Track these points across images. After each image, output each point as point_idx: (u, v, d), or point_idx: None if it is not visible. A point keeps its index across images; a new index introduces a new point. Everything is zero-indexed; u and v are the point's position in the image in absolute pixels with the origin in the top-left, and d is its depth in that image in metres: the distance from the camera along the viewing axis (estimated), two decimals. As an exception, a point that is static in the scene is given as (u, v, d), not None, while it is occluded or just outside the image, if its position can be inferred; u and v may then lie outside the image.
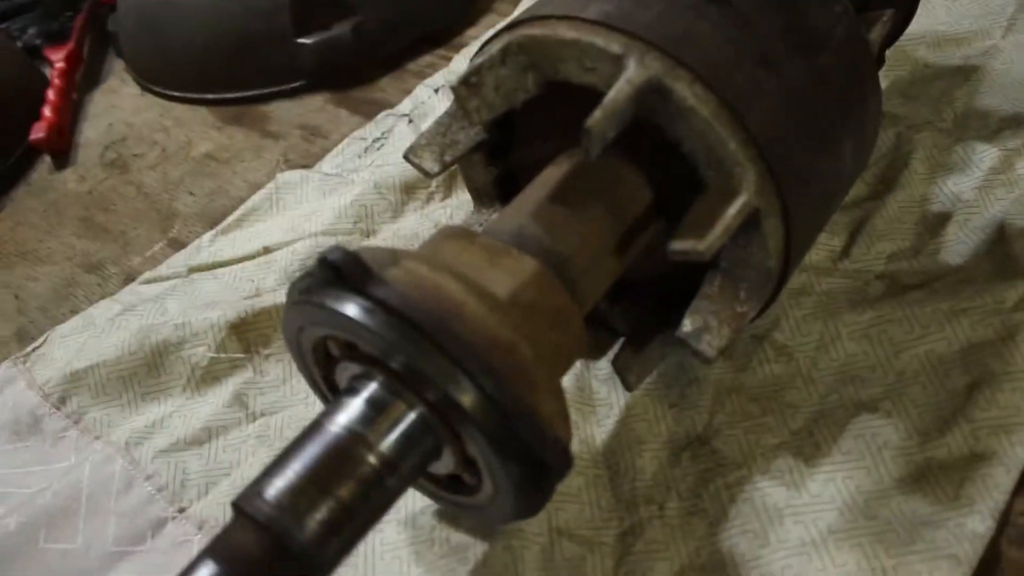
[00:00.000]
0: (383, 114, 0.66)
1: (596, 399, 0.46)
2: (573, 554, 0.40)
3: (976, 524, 0.38)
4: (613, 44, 0.37)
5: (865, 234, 0.51)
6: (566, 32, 0.38)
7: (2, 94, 0.72)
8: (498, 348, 0.32)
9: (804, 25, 0.40)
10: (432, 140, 0.44)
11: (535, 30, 0.39)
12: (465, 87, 0.40)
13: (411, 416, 0.34)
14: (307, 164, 0.64)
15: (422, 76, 0.70)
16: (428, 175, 0.43)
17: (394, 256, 0.35)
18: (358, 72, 0.71)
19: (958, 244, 0.49)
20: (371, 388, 0.34)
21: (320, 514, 0.32)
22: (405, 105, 0.67)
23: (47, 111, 0.72)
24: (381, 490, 0.34)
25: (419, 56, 0.73)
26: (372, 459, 0.33)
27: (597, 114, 0.35)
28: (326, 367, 0.38)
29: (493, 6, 0.77)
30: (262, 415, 0.49)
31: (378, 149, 0.63)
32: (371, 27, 0.70)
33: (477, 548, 0.41)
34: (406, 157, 0.44)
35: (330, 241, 0.57)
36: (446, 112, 0.44)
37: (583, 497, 0.42)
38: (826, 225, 0.45)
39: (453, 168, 0.48)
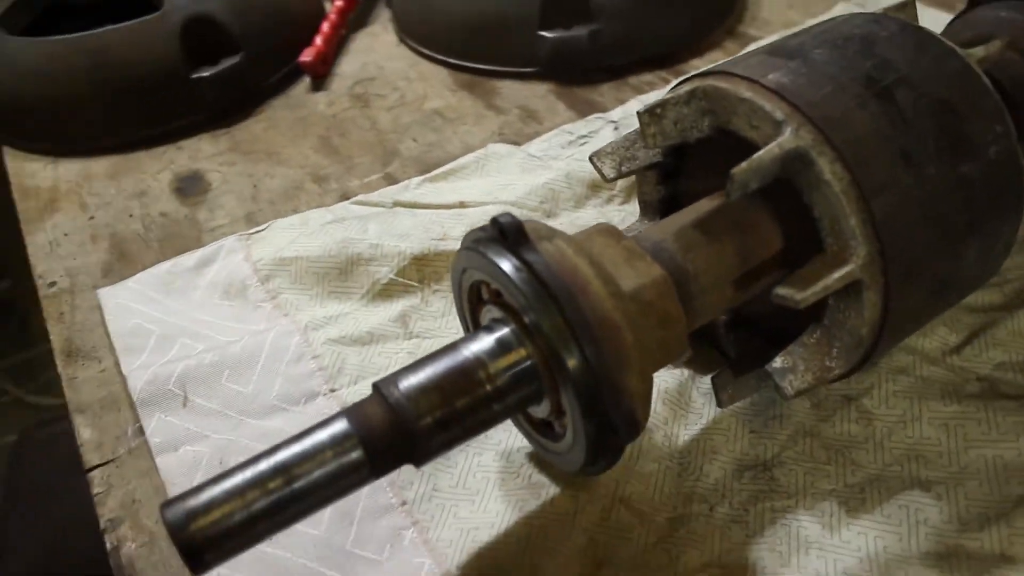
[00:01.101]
0: (594, 116, 0.77)
1: (691, 407, 0.55)
2: (625, 520, 0.49)
3: (981, 611, 0.44)
4: (777, 111, 0.45)
5: (983, 338, 0.56)
6: (744, 91, 0.47)
7: (287, 18, 0.89)
8: (606, 326, 0.42)
9: (958, 134, 0.46)
10: (616, 151, 0.54)
11: (721, 83, 0.48)
12: (649, 115, 0.49)
13: (526, 363, 0.44)
14: (517, 141, 0.76)
15: (639, 91, 0.80)
16: (605, 179, 0.53)
17: (551, 233, 0.45)
18: (585, 73, 0.82)
19: (1069, 372, 0.54)
20: (503, 331, 0.45)
21: (436, 412, 0.43)
22: (616, 112, 0.77)
23: (318, 40, 0.88)
24: (487, 410, 0.44)
25: (642, 72, 0.83)
26: (487, 385, 0.44)
27: (744, 165, 0.44)
28: (475, 306, 0.49)
29: (721, 43, 0.85)
30: (416, 336, 0.61)
31: (580, 145, 0.74)
32: (606, 36, 0.81)
33: (551, 490, 0.51)
34: (591, 159, 0.54)
35: (517, 211, 0.68)
36: (635, 130, 0.54)
37: (651, 480, 0.51)
38: (932, 318, 0.51)
39: (632, 179, 0.58)
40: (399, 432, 0.42)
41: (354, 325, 0.61)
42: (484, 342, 0.45)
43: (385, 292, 0.63)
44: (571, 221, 0.67)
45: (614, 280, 0.44)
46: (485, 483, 0.52)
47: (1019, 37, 0.57)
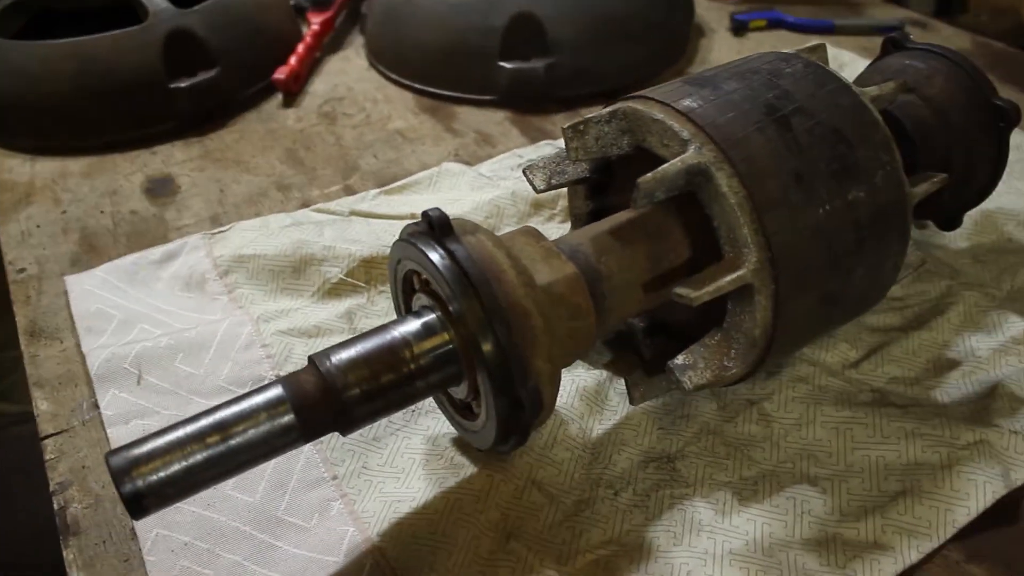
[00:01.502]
0: (544, 142, 0.83)
1: (607, 404, 0.60)
2: (536, 500, 0.54)
3: (849, 591, 0.49)
4: (684, 131, 0.51)
5: (880, 355, 0.62)
6: (657, 113, 0.53)
7: (267, 37, 0.95)
8: (517, 311, 0.47)
9: (848, 160, 0.52)
10: (547, 165, 0.60)
11: (639, 105, 0.54)
12: (572, 130, 0.55)
13: (448, 346, 0.50)
14: (470, 162, 0.82)
15: (590, 121, 0.86)
16: (536, 190, 0.59)
17: (475, 228, 0.51)
18: (540, 103, 0.89)
19: (953, 388, 0.59)
20: (430, 317, 0.50)
21: (363, 384, 0.48)
22: (548, 151, 0.83)
23: (293, 60, 0.94)
24: (410, 386, 0.50)
25: (593, 104, 0.89)
26: (411, 363, 0.49)
27: (649, 176, 0.50)
28: (408, 295, 0.55)
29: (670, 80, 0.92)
30: (360, 331, 0.66)
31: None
32: (561, 69, 0.87)
33: (470, 470, 0.56)
34: (524, 172, 0.60)
35: (462, 225, 0.73)
36: (561, 149, 0.60)
37: (562, 466, 0.56)
38: (824, 329, 0.57)
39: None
40: (329, 400, 0.48)
41: (303, 319, 0.66)
42: (411, 325, 0.50)
43: (334, 291, 0.68)
44: (514, 235, 0.73)
45: (528, 273, 0.50)
46: (411, 463, 0.57)
47: (918, 82, 0.64)
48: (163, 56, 0.86)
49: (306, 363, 0.49)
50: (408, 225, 0.52)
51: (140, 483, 0.44)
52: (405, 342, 0.49)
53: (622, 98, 0.57)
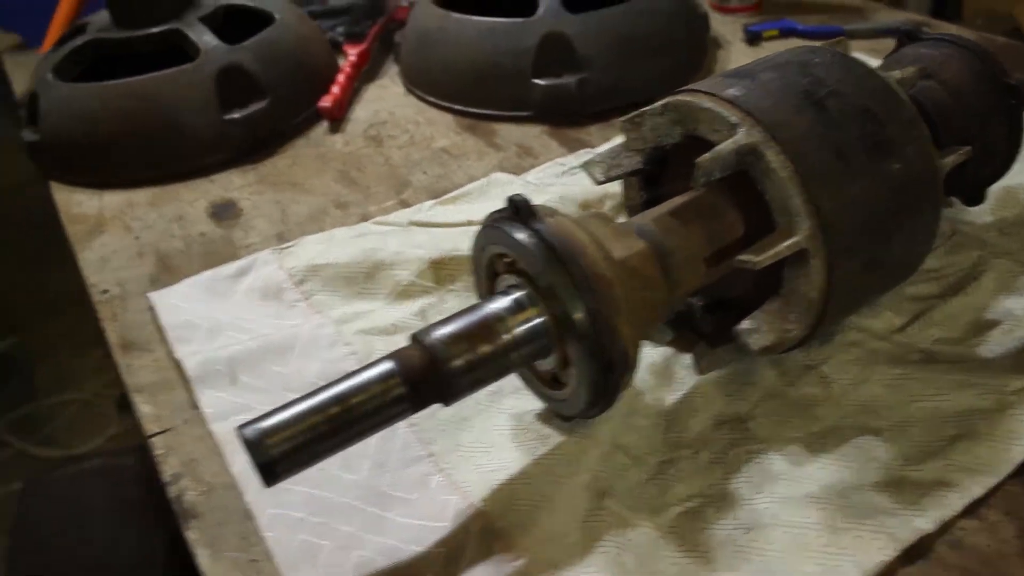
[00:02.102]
0: (584, 151, 0.90)
1: (675, 377, 0.66)
2: (623, 462, 0.59)
3: (921, 523, 0.54)
4: (732, 116, 0.57)
5: (923, 320, 0.67)
6: (706, 102, 0.59)
7: (310, 69, 1.02)
8: (602, 282, 0.53)
9: (880, 136, 0.59)
10: (604, 159, 0.66)
11: (688, 97, 0.61)
12: (629, 123, 0.62)
13: (538, 320, 0.55)
14: (516, 173, 0.88)
15: (623, 130, 0.93)
16: (596, 182, 0.65)
17: (554, 212, 0.57)
18: (574, 116, 0.95)
19: (995, 345, 0.65)
20: (518, 294, 0.56)
21: (463, 356, 0.53)
22: (603, 148, 0.89)
23: (336, 88, 1.01)
24: (505, 358, 0.55)
25: (624, 115, 0.95)
26: (506, 336, 0.55)
27: (706, 156, 0.56)
28: (491, 280, 0.60)
29: (696, 90, 0.99)
30: (434, 326, 0.72)
31: (572, 174, 0.86)
32: (593, 84, 0.94)
33: (557, 438, 0.61)
34: (583, 166, 0.66)
35: (516, 228, 0.79)
36: (619, 143, 0.66)
37: (642, 432, 0.61)
38: (870, 294, 0.63)
39: (619, 202, 0.70)
40: (434, 371, 0.53)
41: (380, 319, 0.72)
42: (502, 302, 0.56)
43: (406, 292, 0.74)
44: (566, 234, 0.79)
45: (606, 248, 0.55)
46: (500, 438, 0.62)
47: (934, 68, 0.70)
48: (216, 90, 0.92)
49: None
50: (491, 213, 0.58)
51: (274, 451, 0.49)
52: (499, 317, 0.55)
53: (672, 93, 0.63)
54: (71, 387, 1.84)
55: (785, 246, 0.55)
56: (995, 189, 0.76)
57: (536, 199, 0.82)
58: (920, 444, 0.59)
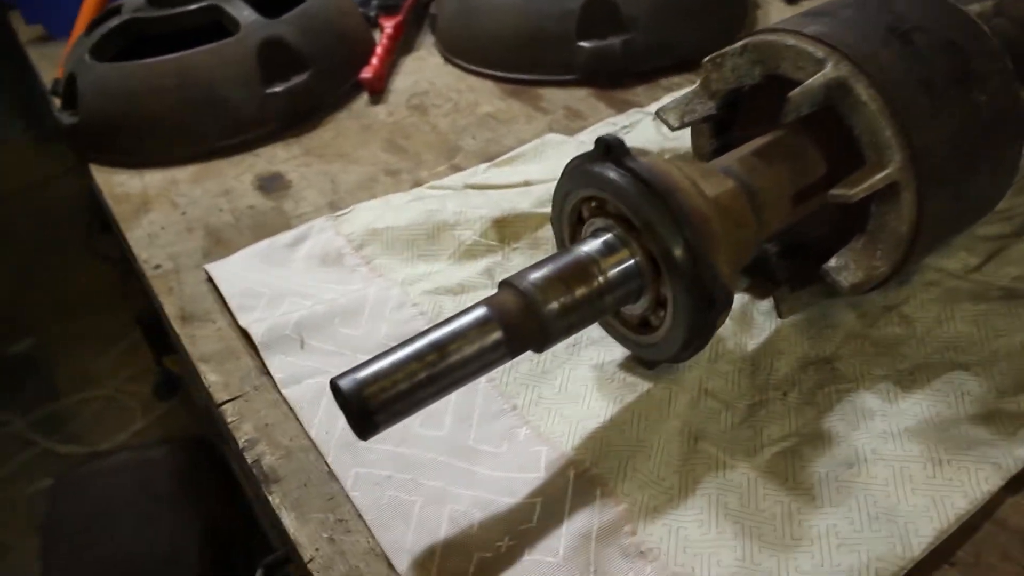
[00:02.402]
0: (634, 110, 0.89)
1: (754, 323, 0.65)
2: (712, 407, 0.59)
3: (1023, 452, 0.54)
4: (819, 52, 0.57)
5: (999, 258, 0.67)
6: (790, 40, 0.58)
7: (349, 43, 1.01)
8: (700, 217, 0.52)
9: (966, 68, 0.58)
10: (678, 106, 0.65)
11: (769, 36, 0.60)
12: (711, 63, 0.61)
13: (631, 261, 0.54)
14: (567, 134, 0.87)
15: (670, 90, 0.92)
16: (671, 128, 0.65)
17: (644, 152, 0.56)
18: (619, 78, 0.95)
19: (1076, 278, 0.65)
20: (609, 236, 0.55)
21: (560, 298, 0.53)
22: (653, 107, 0.89)
23: (375, 60, 1.00)
24: (600, 301, 0.54)
25: (671, 76, 0.95)
26: (600, 278, 0.54)
27: (798, 91, 0.55)
28: (574, 227, 0.60)
29: (740, 49, 0.99)
30: (502, 285, 0.71)
31: (625, 133, 0.86)
32: (638, 45, 0.93)
33: (644, 386, 0.60)
34: (656, 113, 0.65)
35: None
36: (691, 90, 0.65)
37: (729, 377, 0.61)
38: (955, 228, 0.63)
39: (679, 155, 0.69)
40: (530, 315, 0.52)
41: (445, 279, 0.71)
42: (593, 245, 0.55)
43: (469, 252, 0.73)
44: (626, 191, 0.78)
45: (698, 185, 0.55)
46: (584, 389, 0.61)
47: (1004, 4, 0.70)
48: (258, 64, 0.91)
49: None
50: (576, 157, 0.57)
51: (372, 402, 0.48)
52: (592, 259, 0.54)
53: (749, 33, 0.63)
54: (93, 384, 1.83)
55: (878, 178, 0.55)
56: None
57: (591, 158, 0.82)
58: (1010, 377, 0.58)
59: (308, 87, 0.94)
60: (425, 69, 1.04)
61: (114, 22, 0.96)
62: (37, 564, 1.34)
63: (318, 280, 0.74)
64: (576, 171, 0.57)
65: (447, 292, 0.70)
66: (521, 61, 0.97)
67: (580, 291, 0.54)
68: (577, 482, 0.55)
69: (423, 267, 0.73)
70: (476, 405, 0.61)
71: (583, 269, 0.54)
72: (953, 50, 0.59)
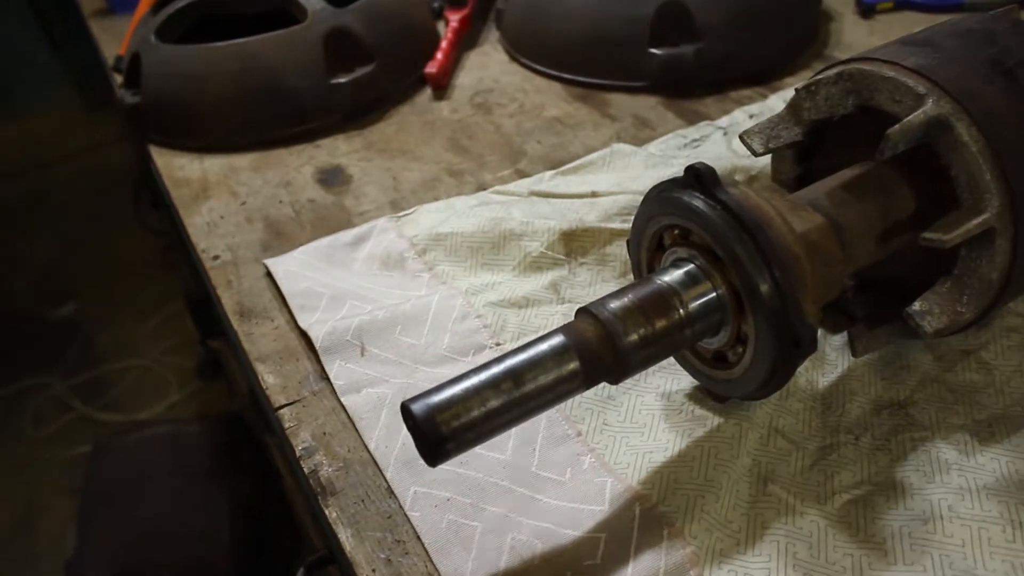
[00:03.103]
0: (704, 123, 0.86)
1: (827, 359, 0.63)
2: (782, 447, 0.57)
3: (1108, 520, 0.52)
4: (919, 86, 0.54)
5: (1090, 308, 0.65)
6: (887, 71, 0.56)
7: (415, 36, 1.00)
8: (789, 255, 0.50)
9: (1075, 111, 0.56)
10: (763, 130, 0.63)
11: (866, 66, 0.58)
12: (805, 91, 0.59)
13: (713, 294, 0.53)
14: (633, 144, 0.85)
15: (740, 103, 0.90)
16: (754, 153, 0.62)
17: (734, 182, 0.54)
18: (689, 87, 0.92)
19: None
20: (691, 267, 0.53)
21: (640, 330, 0.51)
22: (723, 120, 0.87)
23: (439, 55, 0.98)
24: (680, 334, 0.53)
25: (742, 88, 0.92)
26: (680, 311, 0.52)
27: (897, 127, 0.53)
28: (653, 255, 0.58)
29: (810, 63, 0.96)
30: (568, 302, 0.69)
31: (694, 147, 0.83)
32: (710, 54, 0.91)
33: (714, 420, 0.59)
34: (741, 137, 0.63)
35: (641, 201, 0.77)
36: (777, 114, 0.63)
37: (799, 415, 0.59)
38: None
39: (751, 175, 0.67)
40: (609, 346, 0.51)
41: (510, 291, 0.70)
42: (674, 276, 0.53)
43: (535, 264, 0.72)
44: (695, 209, 0.76)
45: (787, 220, 0.53)
46: (651, 418, 0.60)
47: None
48: (324, 53, 0.89)
49: (529, 339, 0.52)
50: (660, 183, 0.55)
51: (444, 429, 0.47)
52: (673, 291, 0.53)
53: (844, 61, 0.60)
54: (132, 353, 1.84)
55: (975, 223, 0.52)
56: None
57: (663, 171, 0.80)
58: (1096, 437, 0.56)
59: (373, 79, 0.92)
60: (490, 66, 1.02)
61: (181, 3, 0.95)
62: (73, 525, 1.35)
63: (379, 284, 0.72)
64: (661, 197, 0.55)
65: (511, 305, 0.69)
66: (590, 64, 0.94)
67: (660, 323, 0.52)
68: (643, 519, 0.53)
69: (487, 276, 0.72)
70: (540, 429, 0.60)
71: (664, 300, 0.52)
72: (1060, 90, 0.56)
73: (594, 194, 0.78)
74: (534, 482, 0.57)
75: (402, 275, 0.73)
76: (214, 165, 0.89)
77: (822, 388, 0.61)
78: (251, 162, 0.89)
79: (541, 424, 0.60)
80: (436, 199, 0.80)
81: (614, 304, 0.52)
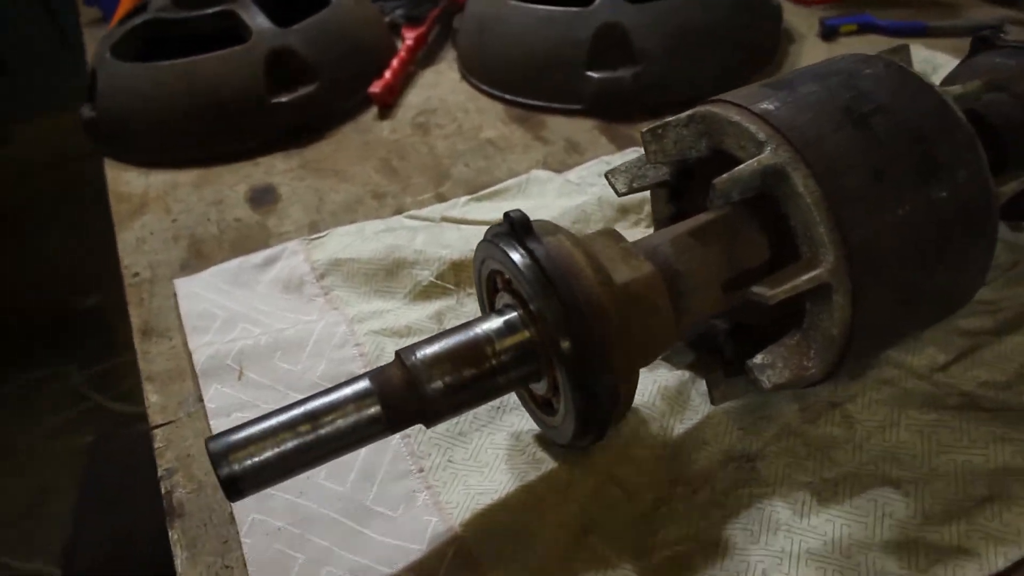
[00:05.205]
0: (631, 149, 0.84)
1: (689, 404, 0.61)
2: (614, 496, 0.55)
3: (932, 594, 0.49)
4: (760, 133, 0.52)
5: (970, 359, 0.61)
6: (734, 116, 0.54)
7: (364, 53, 0.99)
8: (593, 308, 0.49)
9: (928, 159, 0.52)
10: (629, 169, 0.61)
11: (716, 108, 0.55)
12: (651, 134, 0.56)
13: (528, 343, 0.51)
14: (559, 169, 0.84)
15: (676, 128, 0.87)
16: (617, 193, 0.60)
17: (556, 229, 0.52)
18: (627, 111, 0.90)
19: (1046, 392, 0.58)
20: (511, 315, 0.52)
21: (446, 378, 0.50)
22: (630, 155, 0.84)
23: (388, 74, 0.98)
24: (491, 382, 0.51)
25: (680, 112, 0.89)
26: (493, 360, 0.51)
27: (724, 176, 0.51)
28: (492, 294, 0.57)
29: (760, 88, 0.92)
30: (447, 331, 0.68)
31: (614, 174, 0.81)
32: (647, 78, 0.88)
33: (551, 464, 0.57)
34: (606, 176, 0.61)
35: (548, 230, 0.75)
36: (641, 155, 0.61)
37: (642, 463, 0.57)
38: (906, 330, 0.57)
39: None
40: (413, 392, 0.50)
41: (395, 319, 0.69)
42: (494, 323, 0.52)
43: (425, 293, 0.71)
44: (599, 240, 0.74)
45: (607, 271, 0.51)
46: (495, 458, 0.59)
47: (1010, 79, 0.63)
48: (265, 73, 0.90)
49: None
50: (492, 227, 0.54)
51: (236, 467, 0.47)
52: (488, 339, 0.51)
53: (702, 102, 0.58)
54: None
55: (804, 280, 0.50)
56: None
57: (575, 199, 0.79)
58: (943, 502, 0.53)
59: (314, 98, 0.92)
60: (441, 84, 1.01)
61: (138, 20, 0.96)
62: (71, 516, 1.40)
63: (275, 307, 0.73)
64: (488, 242, 0.53)
65: (393, 334, 0.68)
66: (530, 86, 0.93)
67: (469, 371, 0.51)
68: (453, 562, 0.52)
69: (378, 304, 0.71)
70: (384, 462, 0.59)
71: (476, 349, 0.51)
72: (916, 138, 0.53)
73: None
74: (365, 516, 0.56)
75: (299, 299, 0.73)
76: (158, 181, 0.90)
77: (675, 435, 0.59)
78: (193, 179, 0.90)
79: (386, 458, 0.59)
80: (353, 222, 0.80)
81: (425, 351, 0.51)
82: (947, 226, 0.53)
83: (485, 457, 0.59)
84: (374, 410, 0.49)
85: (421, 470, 0.58)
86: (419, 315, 0.69)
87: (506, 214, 0.51)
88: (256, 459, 0.47)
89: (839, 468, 0.56)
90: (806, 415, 0.59)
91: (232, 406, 0.64)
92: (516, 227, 0.51)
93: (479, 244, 0.55)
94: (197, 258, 0.79)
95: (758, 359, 0.53)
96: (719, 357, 0.63)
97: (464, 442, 0.60)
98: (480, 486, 0.57)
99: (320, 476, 0.58)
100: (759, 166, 0.51)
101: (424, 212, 0.80)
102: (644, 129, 0.57)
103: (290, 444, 0.48)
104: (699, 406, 0.61)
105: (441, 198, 0.83)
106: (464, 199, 0.80)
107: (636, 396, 0.60)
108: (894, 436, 0.57)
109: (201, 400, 0.65)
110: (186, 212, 0.85)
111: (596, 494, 0.55)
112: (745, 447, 0.58)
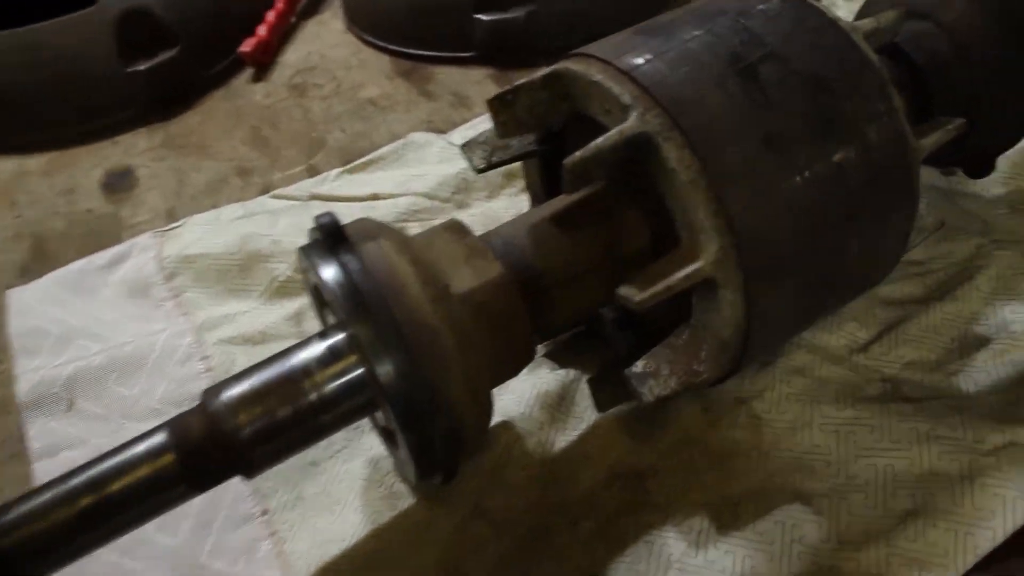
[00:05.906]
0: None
1: (573, 411, 0.51)
2: (481, 533, 0.46)
3: (849, 637, 0.40)
4: (626, 94, 0.41)
5: (895, 334, 0.51)
6: (596, 74, 0.43)
7: (229, 9, 0.86)
8: (420, 330, 0.39)
9: (832, 115, 0.42)
10: (489, 140, 0.50)
11: (577, 65, 0.44)
12: (499, 101, 0.45)
13: (358, 371, 0.41)
14: (444, 129, 0.73)
15: (578, 73, 0.76)
16: (475, 170, 0.50)
17: (378, 232, 0.42)
18: (523, 57, 0.78)
19: (981, 372, 0.49)
20: (336, 338, 0.42)
21: (256, 423, 0.40)
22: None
23: (261, 29, 0.85)
24: (314, 421, 0.41)
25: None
26: (313, 395, 0.41)
27: (577, 155, 0.40)
28: (321, 307, 0.47)
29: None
30: (308, 335, 0.58)
31: (504, 133, 0.70)
32: (543, 18, 0.77)
33: (408, 500, 0.48)
34: (461, 148, 0.50)
35: (428, 203, 0.65)
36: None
37: (516, 490, 0.47)
38: (817, 317, 0.47)
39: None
40: (217, 444, 0.40)
41: (248, 324, 0.59)
42: (314, 350, 0.42)
43: (283, 290, 0.61)
44: (483, 212, 0.64)
45: (441, 281, 0.41)
46: (349, 491, 0.49)
47: (932, 7, 0.52)
48: (117, 38, 0.78)
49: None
50: (312, 230, 0.43)
51: (10, 554, 0.37)
52: (306, 371, 0.41)
53: (563, 56, 0.47)
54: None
55: (680, 277, 0.40)
56: (1010, 154, 0.58)
57: (455, 166, 0.67)
58: (860, 519, 0.44)
59: (177, 64, 0.80)
60: (324, 36, 0.88)
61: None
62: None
63: (119, 315, 0.62)
64: (303, 251, 0.43)
65: (245, 342, 0.58)
66: (416, 34, 0.81)
67: (284, 411, 0.41)
68: (290, 632, 0.44)
69: (232, 305, 0.61)
70: (223, 506, 0.50)
71: (292, 383, 0.41)
72: (816, 89, 0.42)
73: (375, 197, 0.66)
74: (199, 574, 0.47)
75: (145, 304, 0.62)
76: (4, 170, 0.78)
77: (555, 451, 0.49)
78: (44, 164, 0.78)
79: (226, 499, 0.50)
80: (215, 206, 0.69)
81: (231, 391, 0.41)
82: (857, 194, 0.43)
83: (338, 491, 0.49)
84: (171, 469, 0.39)
85: (265, 512, 0.49)
86: (276, 317, 0.59)
87: (316, 218, 0.41)
88: (32, 545, 0.38)
89: (742, 483, 0.46)
90: (709, 416, 0.50)
91: (60, 443, 0.54)
92: (328, 236, 0.41)
93: (299, 251, 0.45)
94: (39, 260, 0.68)
95: (639, 367, 0.43)
96: (608, 351, 0.53)
97: (316, 473, 0.50)
98: (330, 530, 0.47)
99: (150, 528, 0.47)
100: (620, 137, 0.40)
101: (291, 190, 0.69)
102: (490, 98, 0.46)
103: (71, 523, 0.38)
104: (584, 412, 0.51)
105: (312, 171, 0.71)
106: (335, 172, 0.69)
107: (512, 406, 0.51)
108: (806, 439, 0.48)
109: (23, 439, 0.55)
110: (33, 205, 0.74)
111: (460, 532, 0.46)
112: (635, 461, 0.48)
